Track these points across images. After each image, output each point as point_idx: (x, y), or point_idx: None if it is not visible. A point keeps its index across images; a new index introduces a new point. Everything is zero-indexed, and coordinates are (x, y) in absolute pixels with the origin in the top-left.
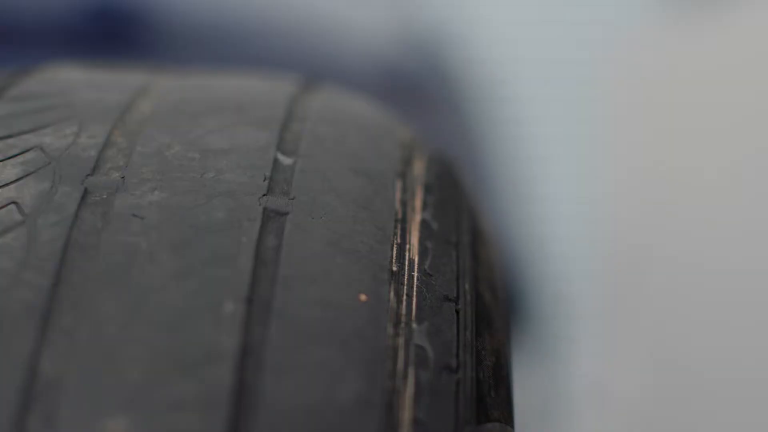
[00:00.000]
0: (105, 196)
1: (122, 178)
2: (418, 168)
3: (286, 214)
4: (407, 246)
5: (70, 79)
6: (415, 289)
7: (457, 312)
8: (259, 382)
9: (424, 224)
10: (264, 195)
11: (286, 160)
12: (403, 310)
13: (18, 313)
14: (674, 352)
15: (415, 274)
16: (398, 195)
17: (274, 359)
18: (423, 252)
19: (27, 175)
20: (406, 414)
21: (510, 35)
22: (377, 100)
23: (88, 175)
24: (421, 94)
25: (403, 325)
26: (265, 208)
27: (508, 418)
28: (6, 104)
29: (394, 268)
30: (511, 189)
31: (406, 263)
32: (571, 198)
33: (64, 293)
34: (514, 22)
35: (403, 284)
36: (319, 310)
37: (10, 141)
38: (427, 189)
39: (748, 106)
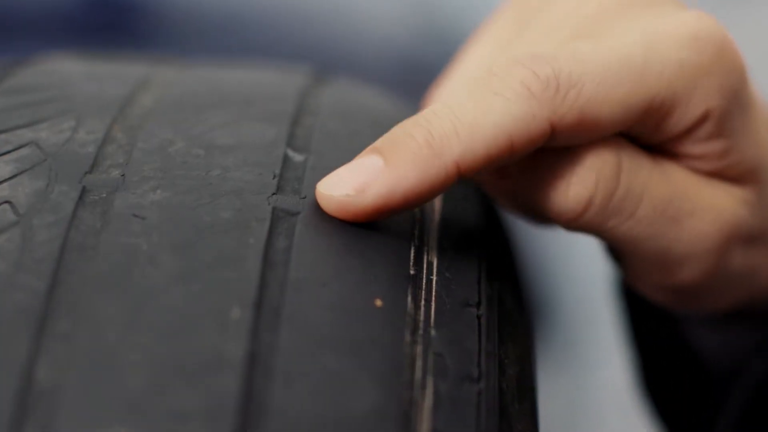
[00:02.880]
0: (104, 195)
1: (122, 176)
2: None
3: (297, 213)
4: (425, 248)
5: (68, 71)
6: (433, 293)
7: (479, 318)
8: (268, 391)
9: (444, 225)
10: (273, 194)
11: (296, 157)
12: (421, 316)
13: (12, 318)
14: None
15: (434, 277)
16: None
17: (283, 367)
18: (442, 254)
19: (21, 173)
20: (424, 426)
21: None
22: (394, 92)
23: (87, 172)
24: None
25: (421, 331)
26: (274, 208)
27: (532, 430)
28: None
29: (412, 272)
30: None
31: (425, 266)
32: None
33: (60, 297)
34: None
35: (421, 288)
36: (332, 316)
37: (3, 136)
38: None
39: None
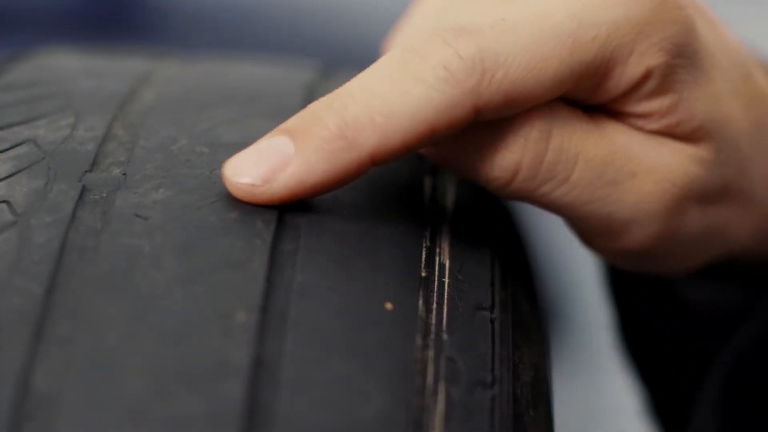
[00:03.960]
0: (104, 195)
1: (123, 174)
2: None
3: (305, 214)
4: (437, 249)
5: (66, 66)
6: (446, 296)
7: (492, 322)
8: (274, 398)
9: (456, 226)
10: None
11: None
12: (433, 320)
13: (9, 323)
14: None
15: (446, 280)
16: (428, 193)
17: (290, 373)
18: (455, 256)
19: (19, 172)
20: None
21: None
22: None
23: (86, 171)
24: None
25: (432, 336)
26: (280, 208)
27: None
28: None
29: (423, 274)
30: None
31: (437, 268)
32: None
33: (59, 300)
34: None
35: (432, 291)
36: (341, 320)
37: None
38: (460, 187)
39: None
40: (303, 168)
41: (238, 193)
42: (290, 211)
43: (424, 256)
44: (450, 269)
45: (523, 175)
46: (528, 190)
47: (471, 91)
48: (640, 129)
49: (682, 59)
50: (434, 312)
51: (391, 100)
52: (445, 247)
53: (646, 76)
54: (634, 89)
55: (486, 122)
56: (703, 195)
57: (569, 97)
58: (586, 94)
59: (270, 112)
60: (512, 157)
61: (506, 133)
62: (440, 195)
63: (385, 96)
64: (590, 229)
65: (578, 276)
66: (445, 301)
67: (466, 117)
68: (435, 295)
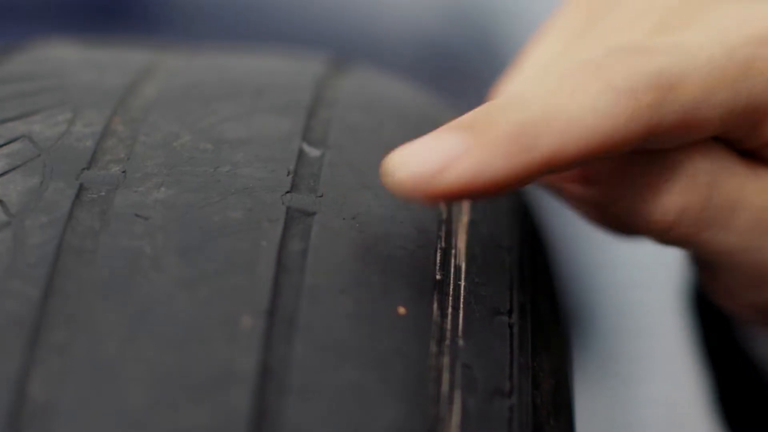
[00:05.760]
0: (103, 194)
1: (123, 172)
2: None
3: (313, 214)
4: (453, 251)
5: (65, 59)
6: (462, 300)
7: (511, 327)
8: (282, 407)
9: (473, 226)
10: (287, 192)
11: (312, 152)
12: (449, 325)
13: (3, 328)
14: None
15: (462, 283)
16: None
17: (298, 381)
18: (471, 258)
19: (13, 169)
20: None
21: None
22: (418, 81)
23: (84, 168)
24: (469, 74)
25: (448, 342)
26: (288, 207)
27: None
28: None
29: (438, 277)
30: None
31: (452, 271)
32: None
33: (56, 305)
34: None
35: (448, 295)
36: (351, 325)
37: None
38: None
39: None
40: (479, 161)
41: (405, 183)
42: (297, 210)
43: (438, 258)
44: (466, 272)
45: (688, 218)
46: (690, 234)
47: (648, 107)
48: None
49: None
50: (449, 317)
51: (569, 106)
52: (461, 247)
53: None
54: None
55: (649, 161)
56: None
57: (728, 139)
58: (745, 135)
59: (278, 107)
60: (677, 200)
61: (671, 172)
62: None
63: (562, 104)
64: (741, 280)
65: (602, 280)
66: (461, 306)
67: (639, 135)
68: (450, 298)
